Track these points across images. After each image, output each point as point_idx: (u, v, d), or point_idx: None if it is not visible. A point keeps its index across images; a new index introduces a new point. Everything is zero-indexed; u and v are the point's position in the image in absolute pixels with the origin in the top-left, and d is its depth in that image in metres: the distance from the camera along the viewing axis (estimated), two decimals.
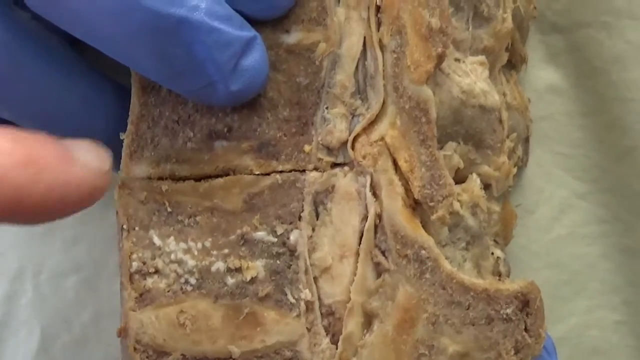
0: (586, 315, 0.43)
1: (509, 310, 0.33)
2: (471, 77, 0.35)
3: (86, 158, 0.30)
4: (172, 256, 0.34)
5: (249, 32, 0.32)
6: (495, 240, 0.37)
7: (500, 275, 0.37)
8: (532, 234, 0.43)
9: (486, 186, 0.37)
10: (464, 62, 0.36)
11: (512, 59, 0.41)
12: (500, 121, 0.36)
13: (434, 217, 0.34)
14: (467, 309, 0.33)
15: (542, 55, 0.42)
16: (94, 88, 0.35)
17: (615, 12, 0.40)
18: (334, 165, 0.34)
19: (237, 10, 0.32)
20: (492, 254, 0.37)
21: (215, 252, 0.34)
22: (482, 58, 0.36)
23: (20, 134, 0.28)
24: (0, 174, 0.26)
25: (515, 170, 0.38)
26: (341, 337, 0.33)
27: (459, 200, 0.35)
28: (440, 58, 0.33)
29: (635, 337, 0.43)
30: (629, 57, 0.40)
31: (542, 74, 0.43)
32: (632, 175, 0.42)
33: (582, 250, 0.43)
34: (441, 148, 0.35)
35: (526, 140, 0.41)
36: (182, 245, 0.34)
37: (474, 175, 0.36)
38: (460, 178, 0.36)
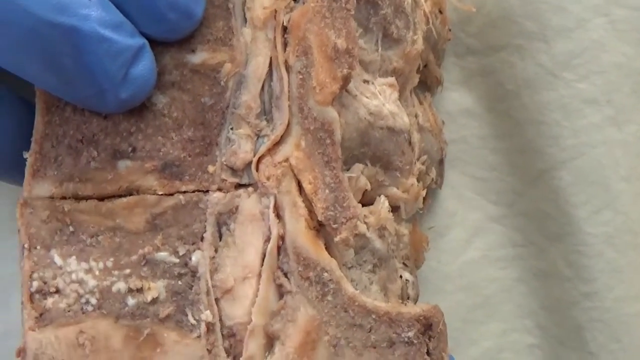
0: (499, 338, 0.43)
1: (410, 334, 0.33)
2: (380, 98, 0.35)
3: None
4: (73, 276, 0.33)
5: (139, 39, 0.31)
6: (404, 263, 0.37)
7: (408, 298, 0.37)
8: (444, 257, 0.42)
9: (395, 208, 0.37)
10: (372, 83, 0.36)
11: (427, 80, 0.41)
12: (410, 143, 0.36)
13: (337, 239, 0.33)
14: (369, 331, 0.33)
15: (457, 78, 0.42)
16: None
17: (527, 36, 0.40)
18: (238, 186, 0.34)
19: (142, 33, 0.32)
20: (401, 277, 0.36)
21: (116, 272, 0.33)
22: (391, 80, 0.36)
23: None
24: None
25: (424, 192, 0.38)
26: (242, 359, 0.33)
27: (365, 223, 0.35)
28: (346, 79, 0.33)
29: None
30: (540, 80, 0.40)
31: (456, 96, 0.42)
32: (545, 198, 0.42)
33: (496, 273, 0.43)
34: (348, 169, 0.35)
35: (440, 163, 0.41)
36: (84, 265, 0.33)
37: (382, 198, 0.36)
38: (368, 200, 0.36)
